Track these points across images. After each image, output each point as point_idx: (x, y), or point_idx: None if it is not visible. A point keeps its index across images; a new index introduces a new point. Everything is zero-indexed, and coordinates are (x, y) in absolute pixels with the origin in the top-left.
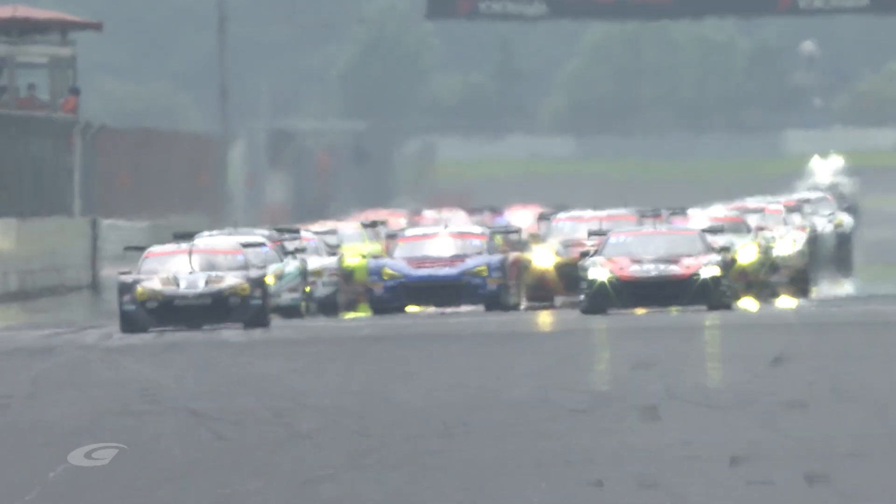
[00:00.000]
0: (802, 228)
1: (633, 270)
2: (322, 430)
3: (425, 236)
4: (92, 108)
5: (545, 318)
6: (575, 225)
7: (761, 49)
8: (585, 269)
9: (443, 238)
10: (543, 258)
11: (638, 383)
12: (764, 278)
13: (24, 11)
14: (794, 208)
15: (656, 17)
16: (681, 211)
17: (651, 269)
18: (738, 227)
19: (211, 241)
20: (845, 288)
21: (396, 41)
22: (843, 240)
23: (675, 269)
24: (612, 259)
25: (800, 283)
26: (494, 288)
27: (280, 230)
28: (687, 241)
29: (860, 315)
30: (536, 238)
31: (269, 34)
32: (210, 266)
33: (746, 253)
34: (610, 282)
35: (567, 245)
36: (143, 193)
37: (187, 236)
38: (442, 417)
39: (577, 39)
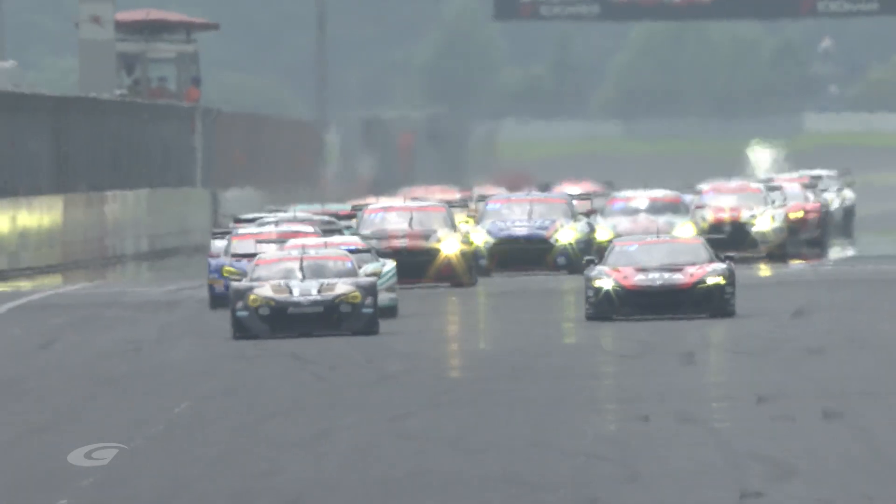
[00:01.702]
0: (817, 203)
1: (638, 279)
2: (406, 373)
3: (258, 235)
4: (211, 96)
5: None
6: (385, 216)
7: (785, 45)
8: (591, 278)
9: (272, 238)
10: None
11: (677, 333)
12: None
13: (154, 14)
14: (808, 185)
15: (695, 18)
16: (545, 187)
17: (656, 279)
18: (677, 207)
19: (320, 247)
20: (852, 251)
21: (468, 39)
22: (848, 212)
23: (678, 278)
24: (618, 268)
25: (778, 258)
26: None
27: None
28: (691, 249)
29: (870, 273)
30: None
31: (360, 33)
32: (320, 273)
33: (684, 232)
34: (615, 290)
35: (379, 238)
36: (254, 169)
37: (247, 221)
38: (509, 362)
39: (626, 36)
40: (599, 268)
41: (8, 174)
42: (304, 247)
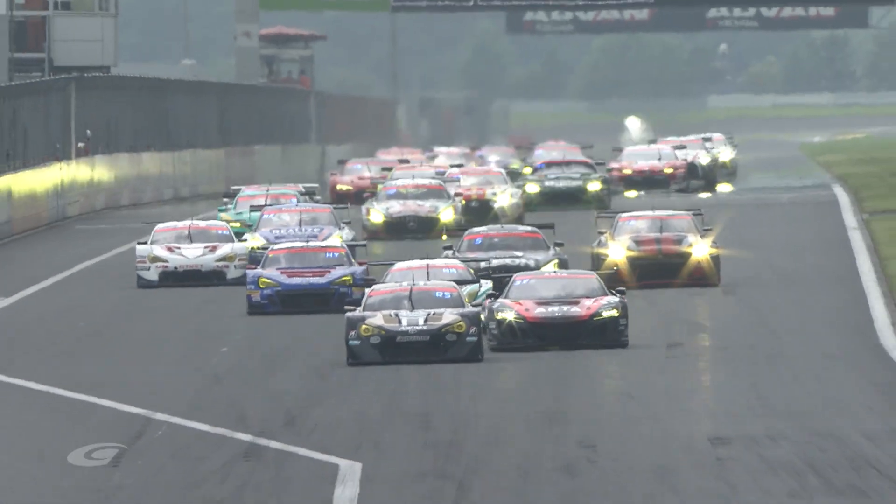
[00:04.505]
0: (683, 161)
1: (538, 312)
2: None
3: (292, 250)
4: (322, 83)
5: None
6: (633, 223)
7: (696, 48)
8: (494, 311)
9: (309, 252)
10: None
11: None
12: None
13: (284, 30)
14: (677, 147)
15: (637, 31)
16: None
17: (555, 311)
18: (440, 193)
19: (428, 280)
20: (737, 186)
21: (490, 46)
22: (734, 162)
23: (576, 311)
24: (519, 301)
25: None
26: (360, 295)
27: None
28: (587, 283)
29: (751, 200)
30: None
31: (419, 41)
32: (428, 303)
33: (446, 215)
34: (516, 322)
35: (637, 242)
36: (349, 132)
37: (232, 194)
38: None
39: (591, 43)
40: (502, 300)
41: (190, 135)
42: (427, 265)
